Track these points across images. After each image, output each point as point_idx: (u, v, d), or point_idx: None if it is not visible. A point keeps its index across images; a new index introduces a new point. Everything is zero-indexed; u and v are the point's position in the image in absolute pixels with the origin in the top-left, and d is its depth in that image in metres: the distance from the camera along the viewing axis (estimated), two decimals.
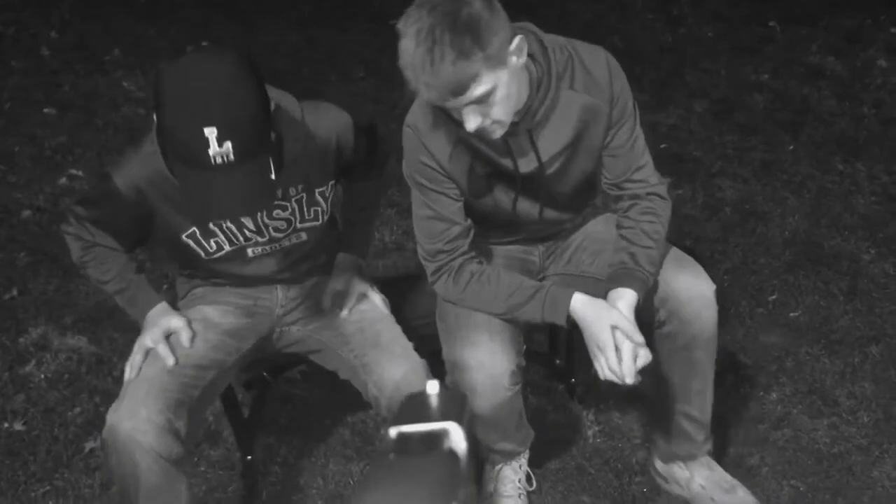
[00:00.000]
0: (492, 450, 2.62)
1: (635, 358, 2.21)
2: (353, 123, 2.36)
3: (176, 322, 2.34)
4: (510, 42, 2.03)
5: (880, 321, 3.40)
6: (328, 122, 2.30)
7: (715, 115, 4.69)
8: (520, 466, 2.68)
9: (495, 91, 2.04)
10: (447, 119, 2.21)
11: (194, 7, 5.63)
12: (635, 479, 2.82)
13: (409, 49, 1.97)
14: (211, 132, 1.90)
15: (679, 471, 2.72)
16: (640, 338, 2.22)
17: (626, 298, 2.28)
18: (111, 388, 3.02)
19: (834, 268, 3.65)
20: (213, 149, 1.91)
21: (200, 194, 1.99)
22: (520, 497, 2.66)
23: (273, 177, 2.05)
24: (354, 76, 5.10)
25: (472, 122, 2.08)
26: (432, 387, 2.03)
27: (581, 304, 2.28)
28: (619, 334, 2.22)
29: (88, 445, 2.89)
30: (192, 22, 5.54)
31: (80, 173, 4.20)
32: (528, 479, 2.71)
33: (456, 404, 1.99)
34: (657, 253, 2.37)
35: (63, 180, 4.18)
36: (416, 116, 2.28)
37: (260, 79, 2.01)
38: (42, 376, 3.20)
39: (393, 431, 1.85)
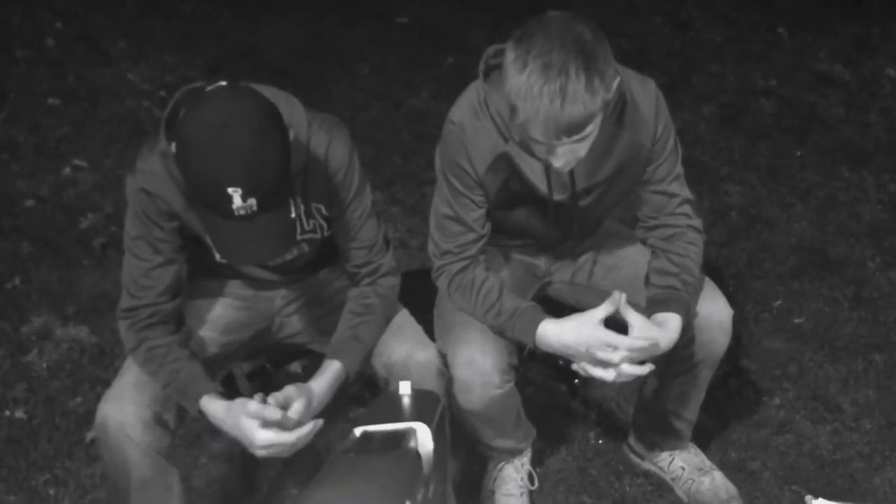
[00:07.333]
0: (490, 447, 2.62)
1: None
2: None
3: (253, 408, 2.08)
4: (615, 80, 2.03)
5: (885, 329, 3.39)
6: (325, 135, 2.19)
7: (722, 120, 4.68)
8: (522, 465, 2.67)
9: (594, 131, 2.02)
10: (495, 129, 2.19)
11: (200, 1, 5.62)
12: (637, 481, 2.81)
13: (535, 83, 1.90)
14: (235, 191, 1.86)
15: (660, 452, 2.76)
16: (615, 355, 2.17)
17: (674, 322, 2.26)
18: (112, 379, 2.98)
19: (839, 275, 3.65)
20: (237, 204, 1.88)
21: (223, 239, 1.98)
22: (521, 496, 2.65)
23: (293, 215, 2.03)
24: (360, 73, 5.08)
25: (561, 160, 2.05)
26: (404, 387, 2.04)
27: (554, 335, 2.22)
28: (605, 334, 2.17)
29: (89, 435, 2.87)
30: (198, 16, 5.52)
31: (84, 164, 4.19)
32: (531, 477, 2.71)
33: (428, 405, 2.00)
34: (699, 286, 2.38)
35: (67, 170, 4.16)
36: (464, 115, 2.22)
37: (283, 125, 1.96)
38: (44, 365, 3.19)
39: (357, 431, 1.86)
